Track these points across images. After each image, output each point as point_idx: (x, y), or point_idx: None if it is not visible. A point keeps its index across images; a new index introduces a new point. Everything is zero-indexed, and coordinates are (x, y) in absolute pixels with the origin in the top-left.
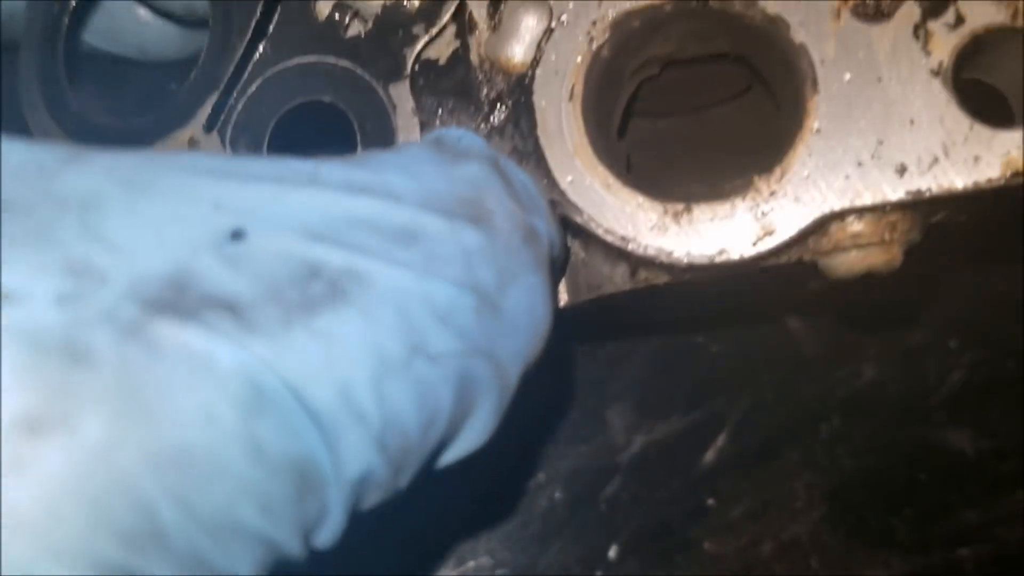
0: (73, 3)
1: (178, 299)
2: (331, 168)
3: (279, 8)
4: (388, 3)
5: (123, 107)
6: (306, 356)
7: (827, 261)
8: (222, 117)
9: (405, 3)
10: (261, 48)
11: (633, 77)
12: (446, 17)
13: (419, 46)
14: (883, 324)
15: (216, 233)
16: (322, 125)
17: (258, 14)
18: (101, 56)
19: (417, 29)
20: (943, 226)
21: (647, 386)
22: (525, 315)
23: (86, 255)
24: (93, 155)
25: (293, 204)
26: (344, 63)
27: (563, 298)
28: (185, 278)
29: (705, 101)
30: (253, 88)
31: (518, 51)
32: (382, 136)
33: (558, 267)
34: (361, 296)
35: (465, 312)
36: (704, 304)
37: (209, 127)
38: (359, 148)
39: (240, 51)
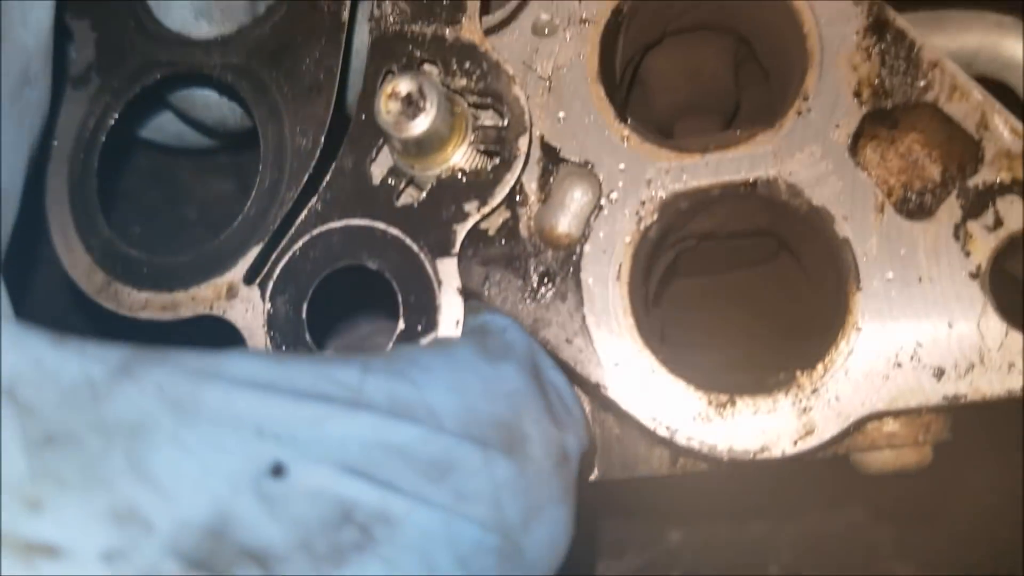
0: (112, 120)
1: (215, 553)
2: (376, 381)
3: (333, 165)
4: (444, 175)
5: (154, 235)
6: None
7: (861, 457)
8: (264, 270)
9: (460, 177)
10: (311, 204)
11: (671, 249)
12: (500, 197)
13: (470, 223)
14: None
15: (257, 467)
16: (364, 285)
17: (311, 168)
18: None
19: (470, 206)
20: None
21: None
22: (546, 550)
23: (132, 499)
24: (144, 369)
25: (335, 432)
26: (394, 231)
27: (594, 471)
28: (223, 525)
29: (732, 266)
30: (299, 244)
31: (567, 224)
32: (425, 310)
33: (584, 465)
34: (388, 543)
35: (487, 554)
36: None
37: (249, 279)
38: (401, 319)
39: (289, 205)
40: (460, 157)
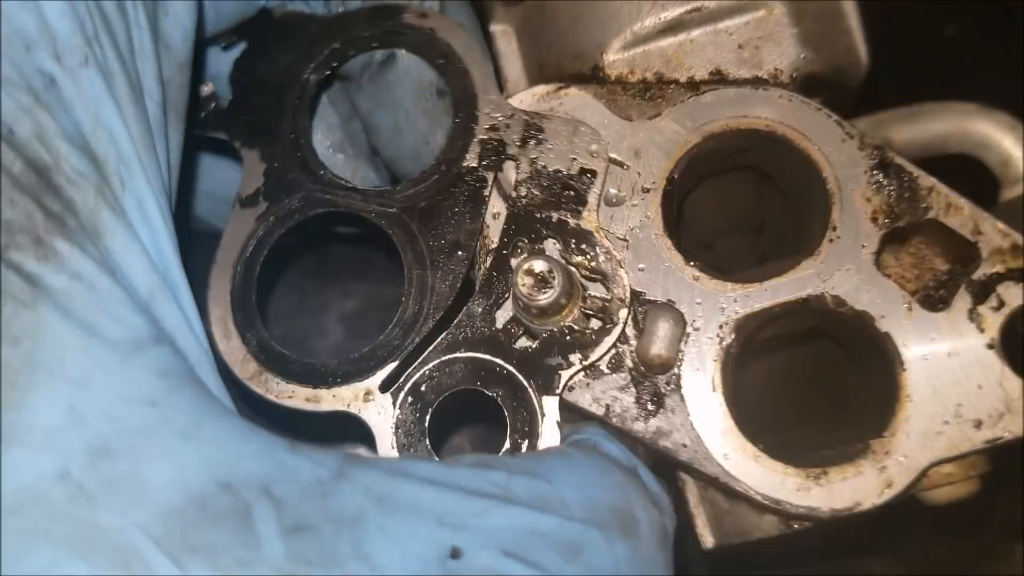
0: (273, 240)
1: None
2: (519, 481)
3: (465, 308)
4: (555, 330)
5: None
6: None
7: (926, 494)
8: (398, 383)
9: (568, 333)
10: (443, 335)
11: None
12: (599, 354)
13: (573, 371)
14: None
15: (440, 550)
16: (477, 404)
17: (449, 302)
18: None
19: (574, 357)
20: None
21: None
22: None
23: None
24: (356, 472)
25: (494, 522)
26: (509, 368)
27: (710, 541)
28: None
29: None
30: (430, 366)
31: (663, 351)
32: (528, 435)
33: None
34: None
35: None
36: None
37: (384, 388)
38: (507, 439)
39: (425, 333)
40: (570, 319)
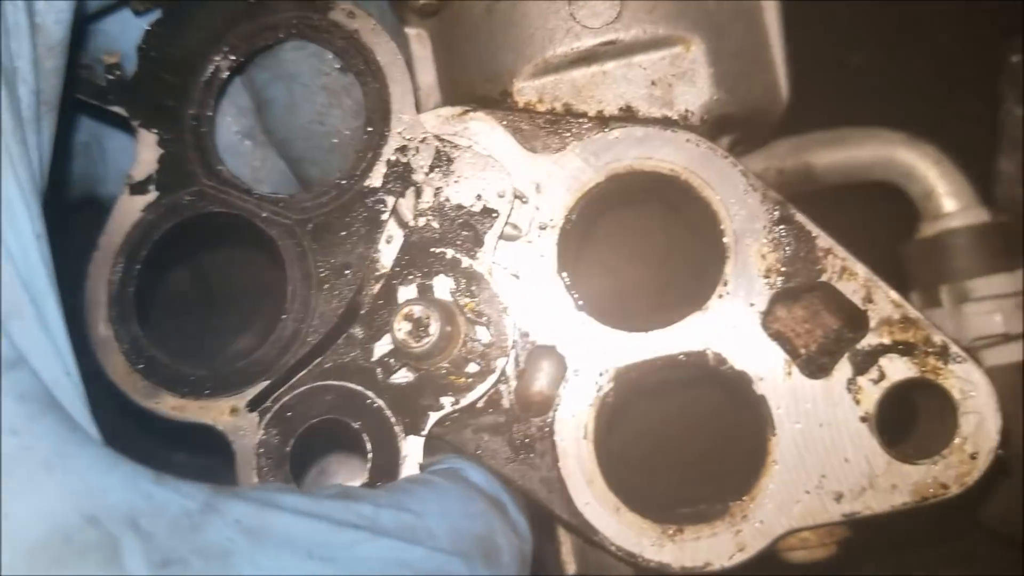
0: (157, 236)
1: None
2: (387, 513)
3: (346, 334)
4: (432, 370)
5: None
6: None
7: (783, 554)
8: (266, 403)
9: (444, 375)
10: (318, 360)
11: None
12: (471, 400)
13: (441, 414)
14: None
15: None
16: (343, 433)
17: (331, 326)
18: None
19: (445, 400)
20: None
21: None
22: None
23: None
24: (225, 504)
25: (362, 553)
26: (380, 402)
27: (571, 569)
28: None
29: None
30: (300, 390)
31: (540, 397)
32: (387, 474)
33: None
34: None
35: None
36: None
37: (252, 407)
38: (367, 473)
39: (301, 356)
40: (448, 360)
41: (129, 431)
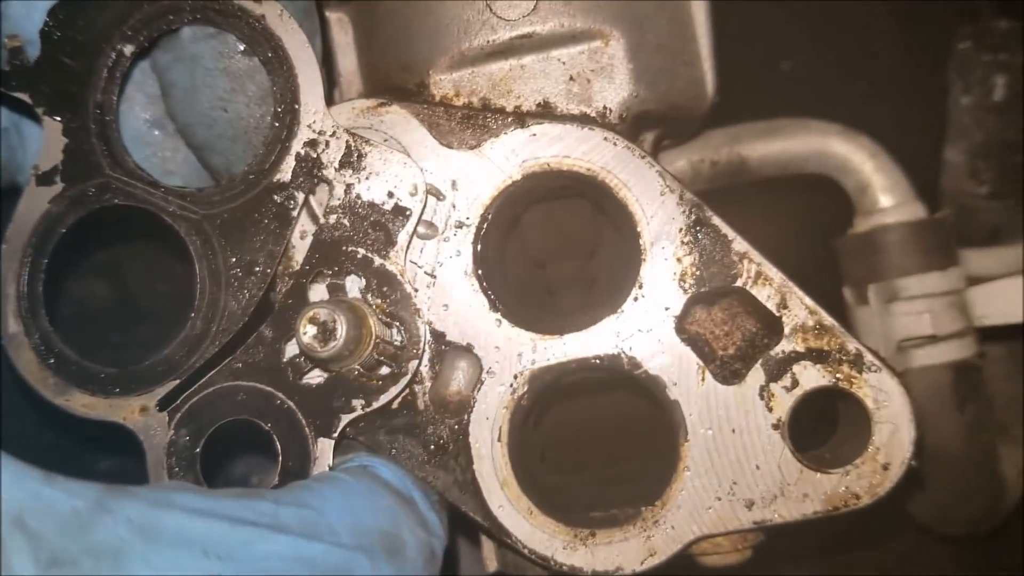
0: (63, 229)
1: None
2: (287, 510)
3: (255, 333)
4: (343, 371)
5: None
6: None
7: (698, 558)
8: (176, 403)
9: (356, 376)
10: (228, 360)
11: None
12: (383, 402)
13: (352, 416)
14: None
15: None
16: (256, 434)
17: (240, 325)
18: None
19: (356, 402)
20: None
21: None
22: None
23: None
24: (117, 503)
25: (261, 550)
26: (290, 403)
27: (492, 566)
28: None
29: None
30: (209, 391)
31: (456, 397)
32: (298, 476)
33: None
34: None
35: None
36: None
37: (162, 406)
38: (277, 476)
39: (210, 355)
40: (359, 362)
41: (52, 436)
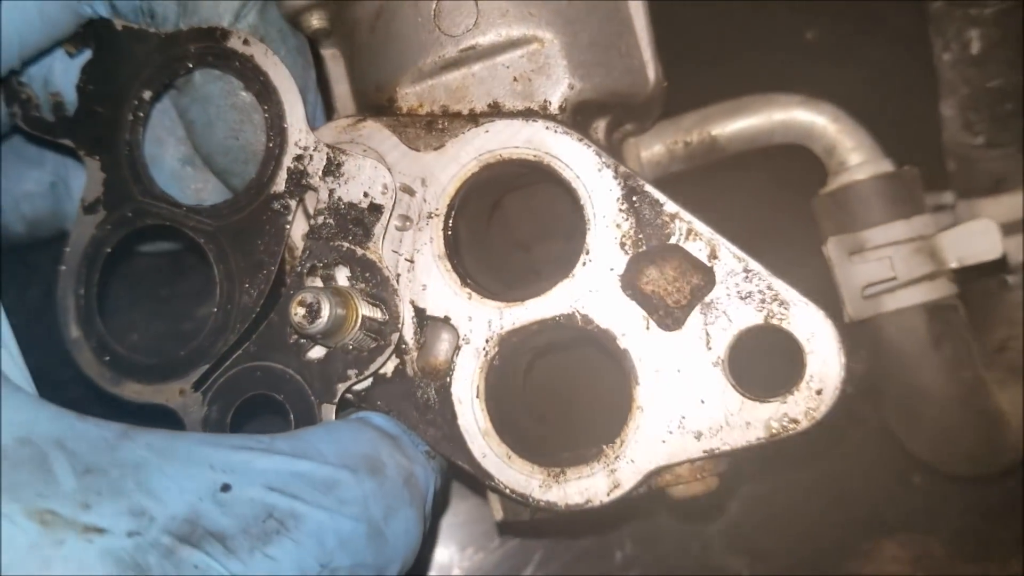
0: (109, 248)
1: (192, 532)
2: (281, 440)
3: (267, 321)
4: (337, 346)
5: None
6: (260, 572)
7: (668, 490)
8: (207, 383)
9: (349, 350)
10: (247, 344)
11: (525, 358)
12: (372, 369)
13: (348, 384)
14: None
15: (212, 486)
16: (273, 404)
17: (250, 320)
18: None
19: (351, 372)
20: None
21: None
22: (403, 537)
23: (141, 503)
24: (137, 433)
25: (259, 465)
26: (297, 377)
27: (499, 515)
28: (195, 516)
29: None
30: (233, 371)
31: (440, 362)
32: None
33: (439, 493)
34: (296, 531)
35: (359, 539)
36: None
37: (196, 387)
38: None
39: (232, 341)
40: (349, 339)
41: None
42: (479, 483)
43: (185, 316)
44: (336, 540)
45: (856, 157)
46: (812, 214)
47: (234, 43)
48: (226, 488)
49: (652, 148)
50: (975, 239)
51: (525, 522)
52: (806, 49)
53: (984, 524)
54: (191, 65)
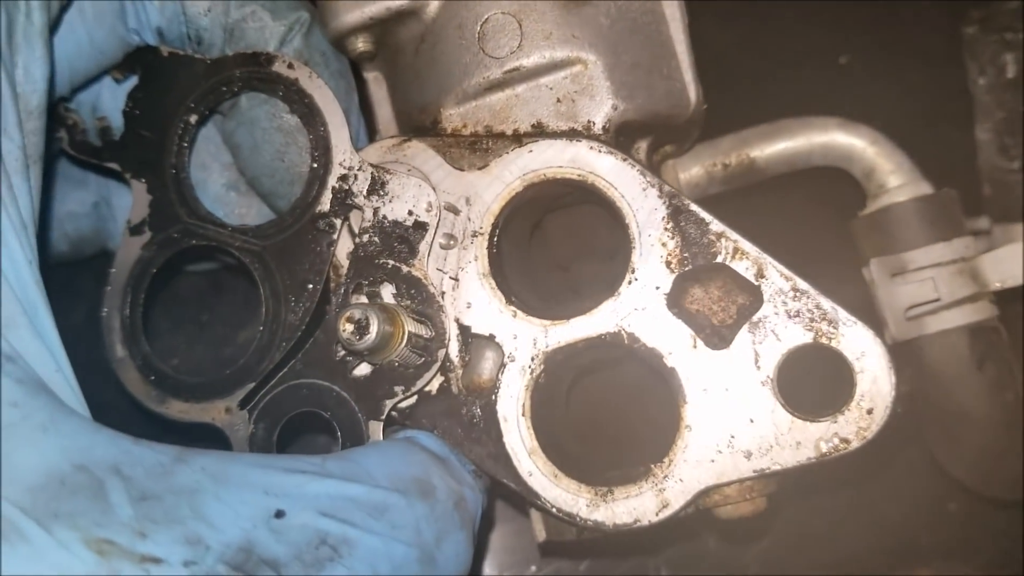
0: (156, 268)
1: (246, 560)
2: (333, 462)
3: (313, 338)
4: (383, 363)
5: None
6: None
7: (715, 511)
8: (253, 402)
9: (395, 367)
10: (292, 362)
11: (569, 376)
12: (419, 386)
13: (395, 400)
14: None
15: (266, 512)
16: (319, 421)
17: (299, 333)
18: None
19: (397, 388)
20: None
21: None
22: (453, 561)
23: (196, 531)
24: (193, 457)
25: (312, 490)
26: (344, 394)
27: (541, 536)
28: (250, 544)
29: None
30: (279, 389)
31: (485, 380)
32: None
33: (485, 513)
34: (348, 557)
35: (411, 563)
36: None
37: (242, 405)
38: (339, 449)
39: (277, 359)
40: (396, 355)
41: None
42: (521, 502)
43: (226, 341)
44: (389, 566)
45: (895, 179)
46: (850, 236)
47: (279, 67)
48: (280, 514)
49: (691, 170)
50: (1018, 260)
51: (570, 542)
52: (840, 73)
53: (1020, 552)
54: (236, 89)
